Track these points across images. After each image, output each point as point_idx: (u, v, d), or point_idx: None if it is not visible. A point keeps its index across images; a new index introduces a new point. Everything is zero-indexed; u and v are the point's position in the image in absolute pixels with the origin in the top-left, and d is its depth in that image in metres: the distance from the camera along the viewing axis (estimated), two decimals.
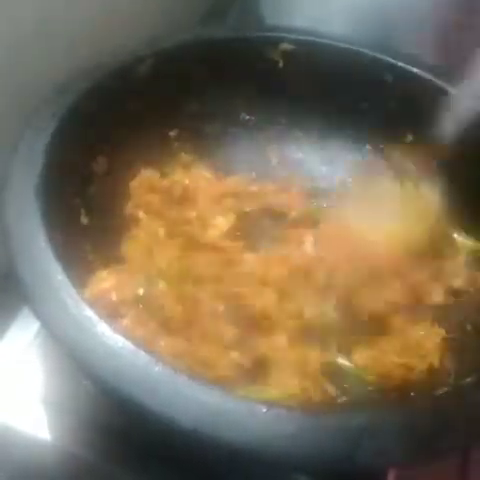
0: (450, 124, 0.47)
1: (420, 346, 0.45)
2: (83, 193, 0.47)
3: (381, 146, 0.56)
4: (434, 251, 0.50)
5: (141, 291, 0.43)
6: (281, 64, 0.55)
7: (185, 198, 0.52)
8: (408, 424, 0.32)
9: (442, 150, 0.48)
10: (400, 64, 0.53)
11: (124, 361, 0.33)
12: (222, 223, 0.51)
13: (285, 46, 0.54)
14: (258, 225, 0.52)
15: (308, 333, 0.45)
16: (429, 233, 0.49)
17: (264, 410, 0.31)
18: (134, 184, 0.51)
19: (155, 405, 0.31)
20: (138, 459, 0.42)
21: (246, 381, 0.41)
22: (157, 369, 0.32)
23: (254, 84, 0.56)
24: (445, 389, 0.40)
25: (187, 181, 0.53)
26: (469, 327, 0.47)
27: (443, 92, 0.51)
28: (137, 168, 0.52)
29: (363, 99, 0.55)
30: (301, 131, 0.58)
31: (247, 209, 0.53)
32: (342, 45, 0.54)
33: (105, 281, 0.43)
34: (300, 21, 0.60)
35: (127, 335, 0.34)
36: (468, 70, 0.46)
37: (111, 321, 0.35)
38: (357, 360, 0.44)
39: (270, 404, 0.32)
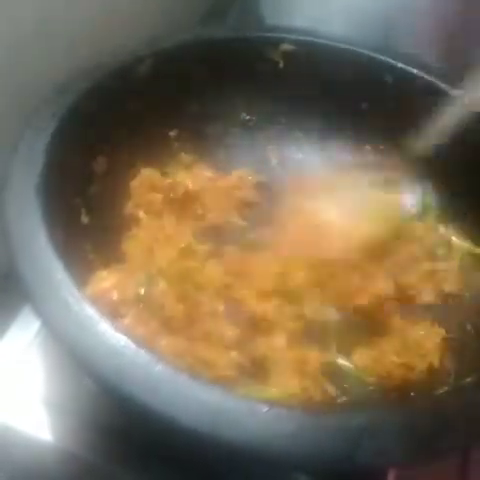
0: (447, 125, 0.47)
1: (420, 346, 0.45)
2: (83, 193, 0.47)
3: (381, 146, 0.56)
4: (428, 253, 0.50)
5: (142, 290, 0.43)
6: (281, 64, 0.55)
7: (188, 196, 0.52)
8: (408, 424, 0.32)
9: (438, 151, 0.48)
10: (400, 65, 0.53)
11: (125, 360, 0.33)
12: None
13: (285, 46, 0.55)
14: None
15: (308, 333, 0.45)
16: (392, 234, 0.49)
17: (264, 409, 0.31)
18: (135, 183, 0.51)
19: (156, 404, 0.31)
20: (139, 459, 0.42)
21: (246, 380, 0.41)
22: (158, 368, 0.32)
23: (254, 84, 0.56)
24: (445, 389, 0.40)
25: (189, 180, 0.53)
26: (469, 327, 0.47)
27: (443, 92, 0.51)
28: (137, 168, 0.52)
29: (363, 99, 0.55)
30: (301, 131, 0.58)
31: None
32: (342, 46, 0.54)
33: (106, 280, 0.43)
34: (300, 21, 0.60)
35: (128, 334, 0.34)
36: (467, 71, 0.46)
37: (112, 320, 0.35)
38: (357, 360, 0.44)
39: (270, 403, 0.32)
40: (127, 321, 0.41)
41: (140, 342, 0.33)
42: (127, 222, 0.50)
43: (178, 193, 0.52)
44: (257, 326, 0.44)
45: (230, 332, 0.43)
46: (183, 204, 0.52)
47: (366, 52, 0.54)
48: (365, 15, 0.59)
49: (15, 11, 0.46)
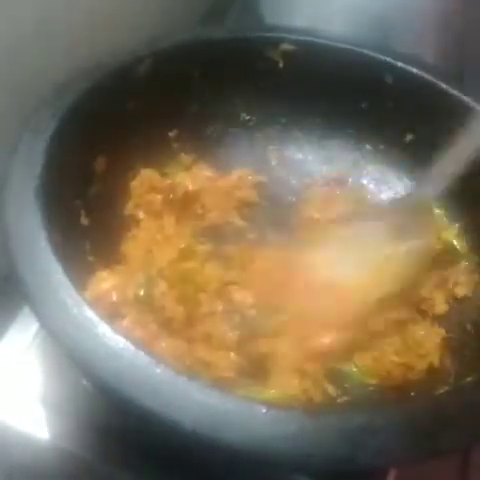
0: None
1: (420, 346, 0.45)
2: (83, 193, 0.47)
3: (381, 146, 0.56)
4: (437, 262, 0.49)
5: (141, 291, 0.43)
6: (281, 64, 0.55)
7: (188, 197, 0.52)
8: (408, 424, 0.32)
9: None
10: (400, 64, 0.53)
11: (125, 362, 0.32)
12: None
13: (285, 46, 0.54)
14: None
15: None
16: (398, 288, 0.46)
17: (264, 411, 0.31)
18: (135, 184, 0.51)
19: (155, 406, 0.31)
20: (137, 460, 0.42)
21: (246, 382, 0.41)
22: (158, 370, 0.32)
23: (254, 84, 0.56)
24: (445, 389, 0.40)
25: (188, 180, 0.53)
26: (469, 327, 0.47)
27: (443, 93, 0.51)
28: (137, 168, 0.52)
29: (363, 99, 0.55)
30: (301, 131, 0.58)
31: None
32: (342, 45, 0.54)
33: (105, 281, 0.43)
34: (300, 21, 0.60)
35: (127, 336, 0.34)
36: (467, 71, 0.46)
37: (111, 322, 0.35)
38: (357, 360, 0.44)
39: (270, 405, 0.32)
40: (127, 322, 0.41)
41: (139, 344, 0.33)
42: (127, 223, 0.50)
43: (178, 193, 0.52)
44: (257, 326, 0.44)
45: (230, 333, 0.43)
46: (183, 204, 0.52)
47: (366, 52, 0.54)
48: (365, 15, 0.59)
49: (15, 11, 0.46)
